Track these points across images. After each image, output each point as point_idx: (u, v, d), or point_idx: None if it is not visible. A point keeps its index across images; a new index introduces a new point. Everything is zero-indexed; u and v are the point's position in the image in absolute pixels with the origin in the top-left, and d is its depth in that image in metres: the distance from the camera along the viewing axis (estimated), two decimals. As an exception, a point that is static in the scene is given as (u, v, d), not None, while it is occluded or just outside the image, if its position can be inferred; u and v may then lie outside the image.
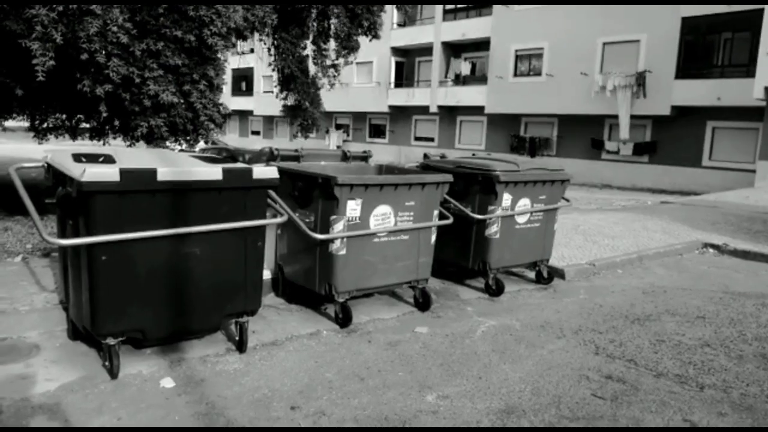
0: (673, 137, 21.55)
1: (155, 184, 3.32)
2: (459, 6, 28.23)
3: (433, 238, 5.00)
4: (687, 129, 21.11)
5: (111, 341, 3.39)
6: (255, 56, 33.49)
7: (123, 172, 3.21)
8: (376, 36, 10.45)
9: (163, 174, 3.33)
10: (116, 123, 8.55)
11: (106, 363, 3.46)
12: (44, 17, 5.72)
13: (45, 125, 9.81)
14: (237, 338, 3.92)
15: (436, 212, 4.97)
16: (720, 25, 19.86)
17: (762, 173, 17.75)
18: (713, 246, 8.11)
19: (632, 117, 21.69)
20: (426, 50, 29.84)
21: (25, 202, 3.34)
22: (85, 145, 5.54)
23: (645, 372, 3.85)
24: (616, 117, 22.02)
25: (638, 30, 21.39)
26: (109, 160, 3.46)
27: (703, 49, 20.44)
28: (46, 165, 3.84)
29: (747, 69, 18.38)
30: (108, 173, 3.18)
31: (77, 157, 3.49)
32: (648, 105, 21.24)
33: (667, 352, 4.23)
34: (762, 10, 16.83)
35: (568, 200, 6.28)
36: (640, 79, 21.24)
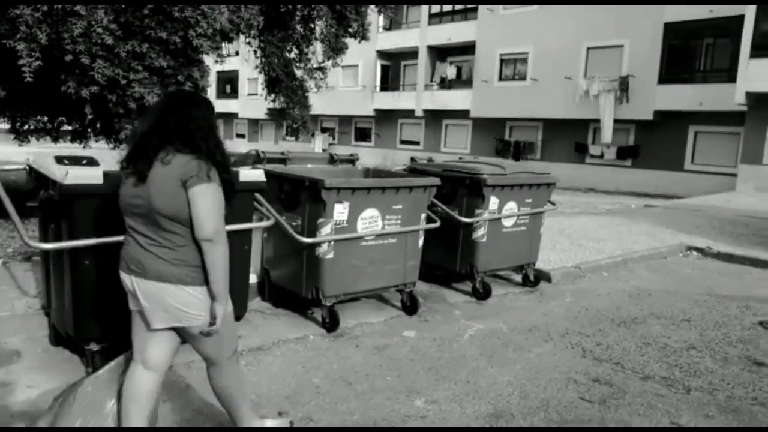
0: (655, 141, 21.75)
1: (140, 186, 3.27)
2: (444, 10, 28.32)
3: (421, 241, 4.99)
4: (670, 133, 21.33)
5: (94, 347, 3.33)
6: (240, 59, 33.39)
7: (106, 175, 3.16)
8: (364, 38, 10.42)
9: (148, 177, 3.28)
10: (99, 125, 8.45)
11: (89, 369, 3.39)
12: (29, 17, 5.64)
13: (26, 127, 9.68)
14: (223, 343, 3.87)
15: (423, 215, 4.96)
16: (702, 31, 20.09)
17: (743, 177, 17.98)
18: (697, 249, 8.19)
19: (615, 121, 21.85)
20: (412, 54, 29.87)
21: (6, 205, 3.28)
22: (69, 148, 5.46)
23: (632, 375, 3.86)
24: (599, 121, 22.20)
25: (622, 35, 21.58)
26: (92, 162, 3.41)
27: (685, 55, 20.67)
28: (28, 167, 3.78)
29: (728, 74, 18.60)
30: (91, 175, 3.14)
31: (60, 160, 3.43)
32: (631, 109, 21.43)
33: (654, 354, 4.25)
34: (743, 16, 17.07)
35: (554, 204, 6.31)
36: (624, 84, 21.42)
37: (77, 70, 6.21)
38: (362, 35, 10.34)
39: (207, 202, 2.28)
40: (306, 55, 10.81)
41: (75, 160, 3.44)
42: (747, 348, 4.45)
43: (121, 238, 3.21)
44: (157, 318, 2.38)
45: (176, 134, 2.34)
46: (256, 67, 10.96)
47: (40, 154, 3.77)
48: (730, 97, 17.50)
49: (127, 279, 2.43)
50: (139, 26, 6.36)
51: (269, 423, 2.84)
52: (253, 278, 4.83)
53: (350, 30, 10.15)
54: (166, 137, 2.34)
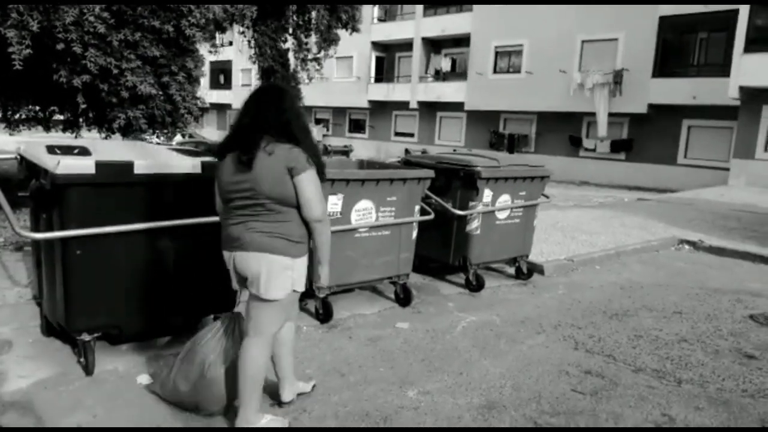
0: (649, 135, 21.81)
1: (132, 176, 3.26)
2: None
3: (415, 233, 4.99)
4: (663, 127, 21.39)
5: (86, 337, 3.32)
6: (234, 49, 33.19)
7: (99, 165, 3.14)
8: (355, 29, 10.41)
9: (140, 167, 3.27)
10: (91, 114, 8.40)
11: (81, 359, 3.39)
12: (20, 4, 5.58)
13: (18, 116, 9.61)
14: (216, 334, 3.86)
15: (417, 208, 4.96)
16: (696, 25, 20.12)
17: (736, 171, 18.05)
18: (689, 242, 8.23)
19: (609, 115, 21.89)
20: (406, 45, 29.79)
21: (-3, 195, 3.25)
22: (61, 137, 5.42)
23: (624, 367, 3.88)
24: (593, 114, 22.22)
25: (616, 28, 21.59)
26: (84, 152, 3.38)
27: (679, 49, 20.71)
28: (19, 157, 3.74)
29: (722, 68, 18.63)
30: (83, 165, 3.11)
31: (51, 149, 3.40)
32: (625, 103, 21.47)
33: (645, 347, 4.27)
34: (737, 10, 17.08)
35: (547, 196, 6.31)
36: (618, 77, 21.45)
37: (69, 58, 6.16)
38: (353, 27, 10.32)
39: (312, 186, 2.64)
40: (306, 45, 10.79)
41: (67, 150, 3.42)
42: (738, 341, 4.48)
43: (112, 228, 3.23)
44: (254, 284, 2.69)
45: (275, 126, 2.64)
46: (250, 57, 10.92)
47: (31, 143, 3.74)
48: (724, 91, 17.53)
49: (228, 256, 2.77)
50: (132, 15, 6.31)
51: (267, 419, 2.85)
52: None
53: (342, 20, 10.13)
54: (266, 129, 2.63)
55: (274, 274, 2.64)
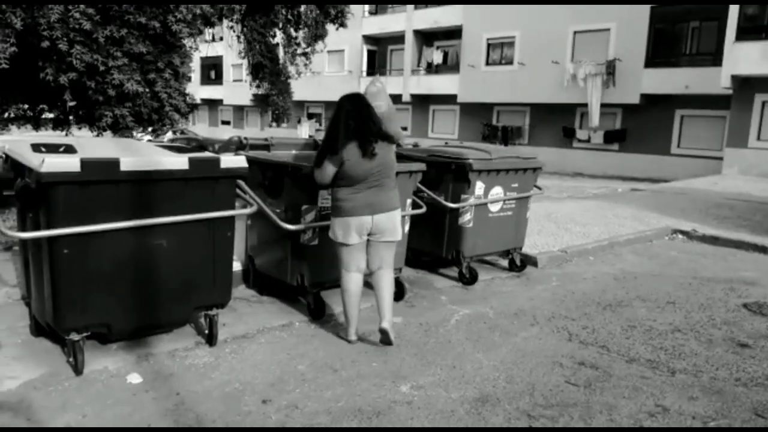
0: (642, 125, 21.82)
1: (118, 174, 3.21)
2: (431, -6, 28.10)
3: (407, 227, 4.95)
4: (656, 117, 21.40)
5: (75, 336, 3.29)
6: (224, 44, 32.98)
7: (84, 162, 3.09)
8: (342, 24, 10.35)
9: (127, 164, 3.23)
10: (81, 112, 8.32)
11: (71, 359, 3.36)
12: (3, 3, 5.52)
13: (6, 115, 9.50)
14: (207, 331, 3.84)
15: (409, 201, 4.93)
16: (688, 15, 20.10)
17: (729, 161, 18.07)
18: (682, 232, 8.23)
19: (602, 105, 21.88)
20: (398, 38, 29.67)
21: (-18, 195, 3.21)
22: (54, 137, 5.36)
23: (617, 358, 3.88)
24: (586, 105, 22.20)
25: (608, 19, 21.55)
26: (69, 150, 3.34)
27: (671, 38, 20.70)
28: (4, 156, 3.70)
29: (714, 58, 18.63)
30: (68, 163, 3.07)
31: (37, 147, 3.37)
32: (618, 93, 21.46)
33: (639, 337, 4.26)
34: (728, -1, 17.06)
35: (540, 188, 6.29)
36: (610, 68, 21.43)
37: (55, 56, 6.09)
38: (341, 21, 10.26)
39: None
40: (295, 39, 10.71)
41: (52, 148, 3.38)
42: (731, 330, 4.48)
43: (99, 227, 3.18)
44: (387, 234, 3.85)
45: (377, 122, 3.75)
46: (240, 52, 10.84)
47: (16, 141, 3.70)
48: (716, 80, 17.53)
49: (368, 219, 3.74)
50: (118, 11, 6.24)
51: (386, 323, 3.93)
52: (237, 266, 4.79)
53: (330, 15, 10.07)
54: (377, 125, 3.73)
55: (401, 221, 3.90)
